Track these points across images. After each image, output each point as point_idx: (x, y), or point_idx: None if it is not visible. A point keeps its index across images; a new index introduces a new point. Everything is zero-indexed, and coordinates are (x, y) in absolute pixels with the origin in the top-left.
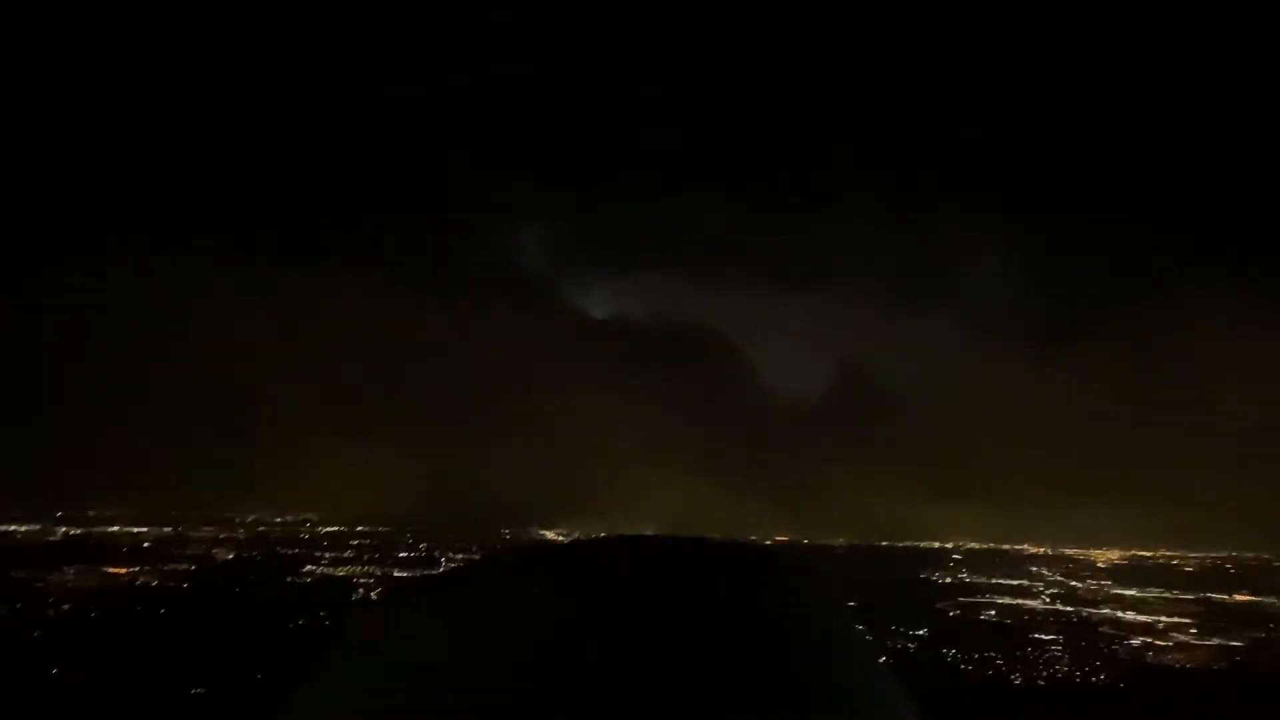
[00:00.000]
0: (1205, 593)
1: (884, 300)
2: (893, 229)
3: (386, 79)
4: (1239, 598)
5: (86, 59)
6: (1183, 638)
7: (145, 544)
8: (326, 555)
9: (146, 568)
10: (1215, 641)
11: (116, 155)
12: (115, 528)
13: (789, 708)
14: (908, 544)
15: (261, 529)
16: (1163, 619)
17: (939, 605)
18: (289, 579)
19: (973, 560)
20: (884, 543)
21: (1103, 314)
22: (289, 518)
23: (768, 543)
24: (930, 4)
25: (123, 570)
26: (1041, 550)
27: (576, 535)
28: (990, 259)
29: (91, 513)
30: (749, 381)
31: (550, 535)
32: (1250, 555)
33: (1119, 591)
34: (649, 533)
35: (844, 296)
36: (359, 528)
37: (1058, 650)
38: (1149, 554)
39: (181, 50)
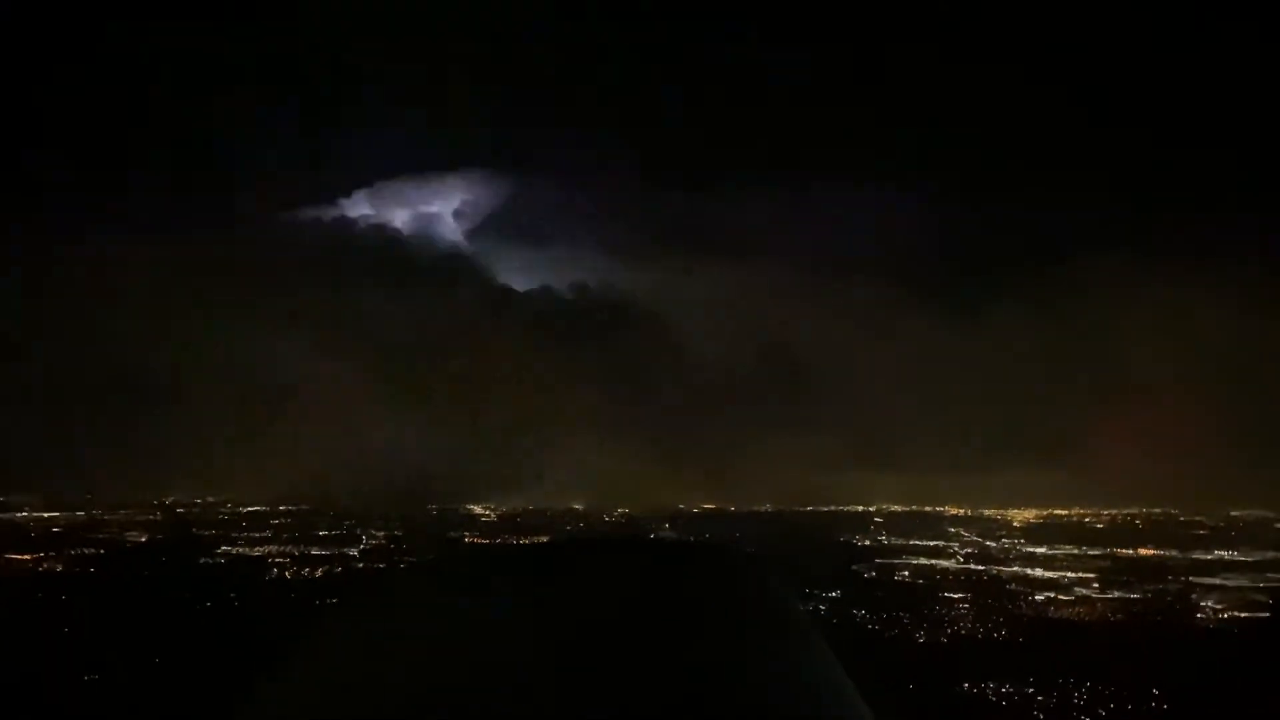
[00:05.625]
0: (1112, 548)
1: (801, 270)
2: (808, 199)
3: (286, 46)
4: (1143, 552)
5: None
6: (1085, 592)
7: (55, 529)
8: (244, 535)
9: (52, 553)
10: (1115, 595)
11: None
12: (24, 513)
13: None
14: (832, 508)
15: (180, 510)
16: (1068, 575)
17: (855, 567)
18: (202, 560)
19: (893, 523)
20: (809, 508)
21: (1013, 279)
22: (208, 498)
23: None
24: None
25: (27, 557)
26: (961, 511)
27: (503, 510)
28: (905, 227)
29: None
30: (673, 353)
31: (478, 510)
32: (1158, 511)
33: (1030, 550)
34: (578, 506)
35: (762, 266)
36: (280, 506)
37: (964, 608)
38: (1063, 512)
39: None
